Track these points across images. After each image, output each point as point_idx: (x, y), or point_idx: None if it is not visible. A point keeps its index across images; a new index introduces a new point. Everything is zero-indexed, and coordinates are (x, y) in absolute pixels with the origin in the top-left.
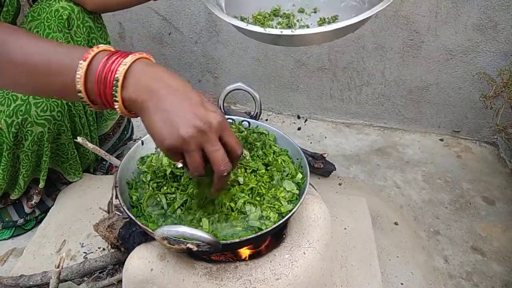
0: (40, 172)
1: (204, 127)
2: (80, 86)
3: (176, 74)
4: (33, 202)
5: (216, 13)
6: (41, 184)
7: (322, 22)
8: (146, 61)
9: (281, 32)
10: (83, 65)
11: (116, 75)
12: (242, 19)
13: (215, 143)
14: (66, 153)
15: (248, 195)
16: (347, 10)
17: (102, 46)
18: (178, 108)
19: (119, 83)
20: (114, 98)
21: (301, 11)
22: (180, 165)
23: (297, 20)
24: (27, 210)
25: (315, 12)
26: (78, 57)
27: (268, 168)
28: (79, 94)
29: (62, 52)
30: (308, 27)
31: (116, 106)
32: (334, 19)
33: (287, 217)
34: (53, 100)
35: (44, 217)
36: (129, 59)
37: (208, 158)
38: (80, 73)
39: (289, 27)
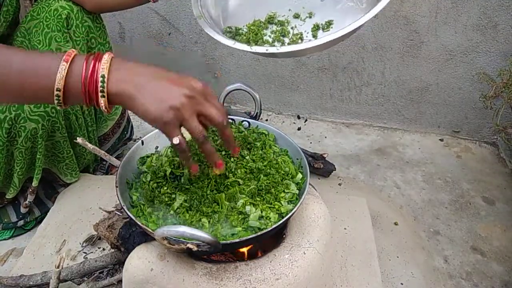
0: (34, 170)
1: (191, 93)
2: (60, 85)
3: (146, 64)
4: (27, 202)
5: (206, 30)
6: (35, 183)
7: (315, 28)
8: (117, 58)
9: (267, 50)
10: (65, 66)
11: (101, 72)
12: (237, 30)
13: (206, 103)
14: (62, 152)
15: (248, 195)
16: (343, 12)
17: (74, 50)
18: (163, 87)
19: (106, 79)
20: (102, 93)
21: (296, 16)
22: (177, 141)
23: (292, 28)
24: (22, 210)
25: (310, 17)
26: (57, 59)
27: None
28: (57, 92)
29: (37, 57)
30: (301, 34)
31: (101, 102)
32: (329, 24)
33: (287, 217)
34: None
35: (44, 217)
36: (106, 57)
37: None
38: (62, 73)
39: (283, 36)
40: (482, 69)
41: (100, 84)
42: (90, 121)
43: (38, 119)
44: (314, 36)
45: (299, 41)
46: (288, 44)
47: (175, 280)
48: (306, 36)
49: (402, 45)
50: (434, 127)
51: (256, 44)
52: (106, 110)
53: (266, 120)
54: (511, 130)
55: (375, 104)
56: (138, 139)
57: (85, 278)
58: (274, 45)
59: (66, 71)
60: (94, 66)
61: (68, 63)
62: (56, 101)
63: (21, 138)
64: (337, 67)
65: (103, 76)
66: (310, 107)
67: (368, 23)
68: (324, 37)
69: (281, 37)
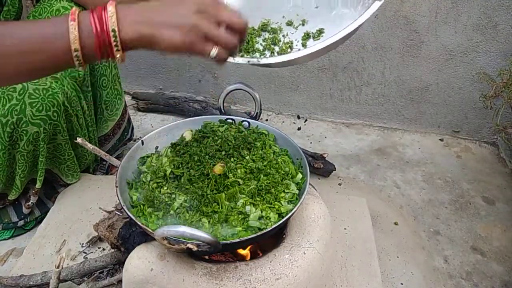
0: (37, 172)
1: (201, 6)
2: (77, 45)
3: (148, 1)
4: (30, 203)
5: None
6: (38, 185)
7: (306, 37)
8: (121, 5)
9: (248, 62)
10: (74, 24)
11: (111, 27)
12: None
13: (220, 11)
14: (63, 154)
15: (248, 195)
16: (338, 19)
17: (76, 8)
18: (173, 14)
19: (117, 32)
20: (116, 47)
21: (289, 24)
22: (214, 53)
23: (283, 35)
24: (25, 210)
25: (303, 25)
26: (64, 20)
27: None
28: (76, 53)
29: (44, 24)
30: (291, 43)
31: (117, 55)
32: (320, 33)
33: (287, 217)
34: (49, 99)
35: (44, 217)
36: (111, 8)
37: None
38: (75, 33)
39: (274, 44)
40: (482, 69)
41: (112, 39)
42: (91, 121)
43: (40, 122)
44: (304, 45)
45: (289, 50)
46: (278, 53)
47: (175, 280)
48: (296, 45)
49: (402, 45)
50: (434, 127)
51: (247, 52)
52: (121, 61)
53: (266, 120)
54: (511, 130)
55: (375, 104)
56: (138, 139)
57: (85, 278)
58: (264, 53)
59: (78, 30)
60: (101, 18)
61: (76, 22)
62: (77, 63)
63: (23, 141)
64: (337, 67)
65: (114, 31)
66: (310, 107)
67: (369, 23)
68: (310, 48)
69: (272, 46)
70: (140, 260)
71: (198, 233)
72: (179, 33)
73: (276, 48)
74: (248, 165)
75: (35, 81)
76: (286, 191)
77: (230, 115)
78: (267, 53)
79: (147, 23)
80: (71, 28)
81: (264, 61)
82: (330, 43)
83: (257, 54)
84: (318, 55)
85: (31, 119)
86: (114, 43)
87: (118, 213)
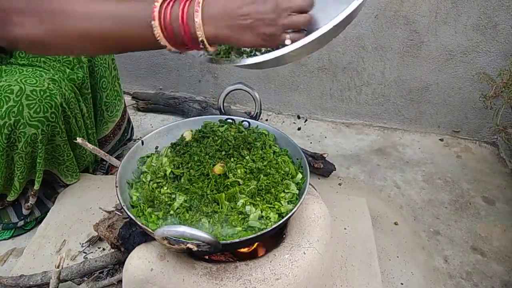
0: (35, 173)
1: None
2: (164, 42)
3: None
4: (29, 204)
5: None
6: (36, 186)
7: None
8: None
9: (226, 62)
10: (156, 24)
11: (198, 33)
12: None
13: (291, 2)
14: (62, 155)
15: (248, 196)
16: (327, 17)
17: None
18: (251, 20)
19: (203, 37)
20: (203, 47)
21: None
22: (289, 42)
23: None
24: (24, 211)
25: None
26: (147, 15)
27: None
28: (168, 48)
29: (128, 14)
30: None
31: (204, 51)
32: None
33: (287, 217)
34: (46, 101)
35: (44, 217)
36: (198, 11)
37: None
38: (158, 32)
39: (257, 50)
40: (482, 69)
41: (200, 44)
42: (90, 124)
43: (37, 124)
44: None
45: (274, 49)
46: (262, 53)
47: (175, 280)
48: (281, 45)
49: (402, 45)
50: (434, 127)
51: (235, 53)
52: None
53: (266, 120)
54: (511, 130)
55: (375, 104)
56: (138, 139)
57: (85, 278)
58: (251, 55)
59: (160, 29)
60: (184, 23)
61: (157, 21)
62: (168, 51)
63: (21, 143)
64: (337, 67)
65: (202, 41)
66: (310, 107)
67: (368, 23)
68: (284, 48)
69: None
70: (140, 260)
71: (198, 233)
72: (258, 37)
73: (263, 49)
74: (248, 165)
75: (32, 82)
76: (286, 191)
77: (230, 115)
78: (258, 54)
79: (228, 27)
80: (155, 28)
81: (243, 61)
82: (304, 44)
83: (245, 56)
84: (299, 57)
85: (29, 121)
86: (202, 46)
87: (118, 213)
